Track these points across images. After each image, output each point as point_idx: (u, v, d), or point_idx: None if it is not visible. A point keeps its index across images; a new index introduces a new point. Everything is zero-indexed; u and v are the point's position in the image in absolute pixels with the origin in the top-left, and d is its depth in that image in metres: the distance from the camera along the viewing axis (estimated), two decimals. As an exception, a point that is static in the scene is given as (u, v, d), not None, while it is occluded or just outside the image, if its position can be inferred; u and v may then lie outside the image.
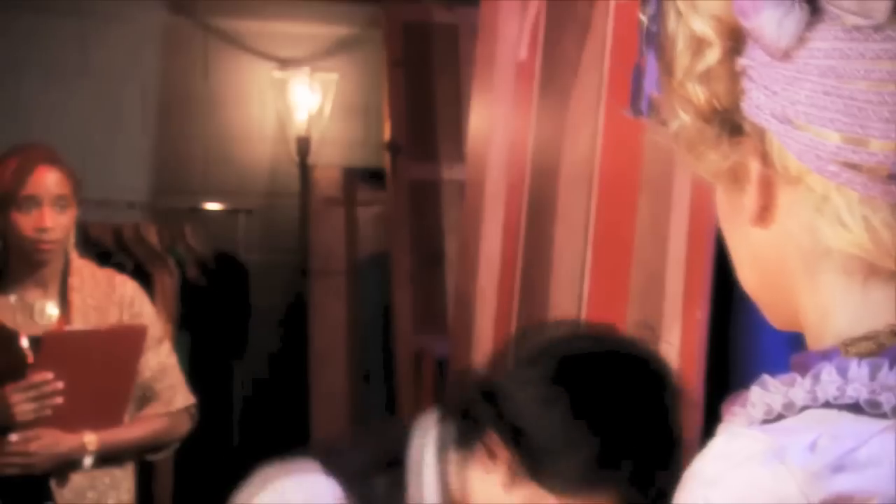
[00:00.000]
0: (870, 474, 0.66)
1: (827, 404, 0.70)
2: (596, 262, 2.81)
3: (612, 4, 2.67)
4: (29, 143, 2.92)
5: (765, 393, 0.73)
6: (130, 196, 4.90)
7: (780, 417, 0.71)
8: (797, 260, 0.76)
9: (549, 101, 2.97)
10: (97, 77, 4.90)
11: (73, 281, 2.84)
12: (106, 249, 4.41)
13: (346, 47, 5.34)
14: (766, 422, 0.72)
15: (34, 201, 2.74)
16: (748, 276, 0.81)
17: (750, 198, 0.76)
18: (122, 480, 2.85)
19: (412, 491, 1.38)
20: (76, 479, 2.74)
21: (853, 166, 0.71)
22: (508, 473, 1.32)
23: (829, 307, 0.75)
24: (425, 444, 1.40)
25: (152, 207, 5.03)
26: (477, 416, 1.35)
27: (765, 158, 0.75)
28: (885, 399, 0.69)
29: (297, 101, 5.16)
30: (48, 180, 2.76)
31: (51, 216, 2.74)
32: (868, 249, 0.72)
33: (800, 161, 0.73)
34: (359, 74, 5.31)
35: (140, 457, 2.93)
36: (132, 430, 2.81)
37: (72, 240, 2.85)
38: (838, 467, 0.66)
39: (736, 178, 0.77)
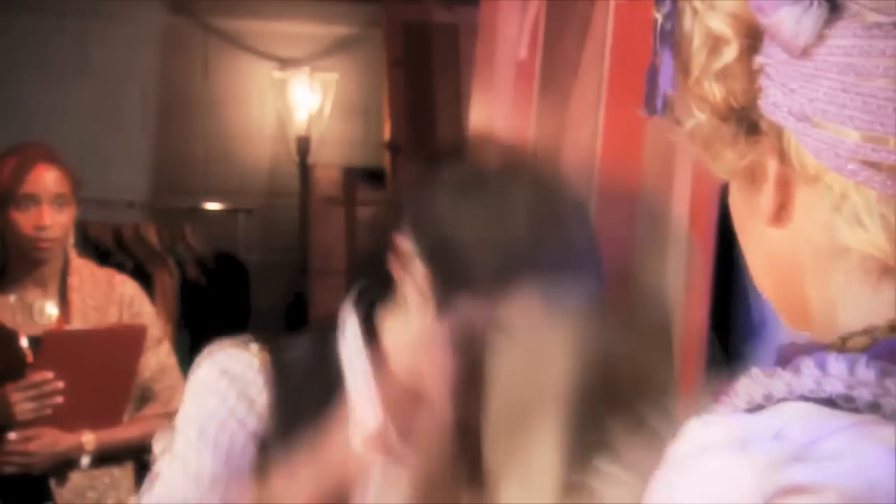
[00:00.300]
0: (829, 467, 0.65)
1: (803, 397, 0.70)
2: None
3: (612, 4, 2.67)
4: (28, 142, 2.91)
5: (749, 383, 0.73)
6: (130, 196, 4.90)
7: (759, 408, 0.71)
8: (811, 259, 0.76)
9: (549, 101, 2.96)
10: (97, 77, 4.90)
11: (73, 280, 2.83)
12: (106, 249, 4.41)
13: (346, 47, 5.34)
14: (747, 412, 0.72)
15: (33, 199, 2.73)
16: (762, 277, 0.81)
17: (766, 197, 0.76)
18: (122, 480, 2.84)
19: (340, 343, 1.40)
20: (76, 478, 2.73)
21: (872, 164, 0.70)
22: (422, 292, 1.31)
23: (839, 306, 0.75)
24: (351, 301, 1.43)
25: (152, 207, 5.02)
26: (392, 222, 1.36)
27: (782, 157, 0.74)
28: (859, 394, 0.68)
29: (297, 101, 5.16)
30: (47, 178, 2.75)
31: (49, 214, 2.73)
32: (884, 249, 0.72)
33: (818, 159, 0.72)
34: (359, 74, 5.31)
35: (139, 457, 2.92)
36: (130, 430, 2.80)
37: (71, 239, 2.84)
38: (797, 458, 0.66)
39: (752, 177, 0.77)
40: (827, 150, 0.71)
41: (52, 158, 2.80)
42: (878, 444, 0.66)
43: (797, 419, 0.68)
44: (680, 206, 2.63)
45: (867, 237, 0.71)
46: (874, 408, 0.68)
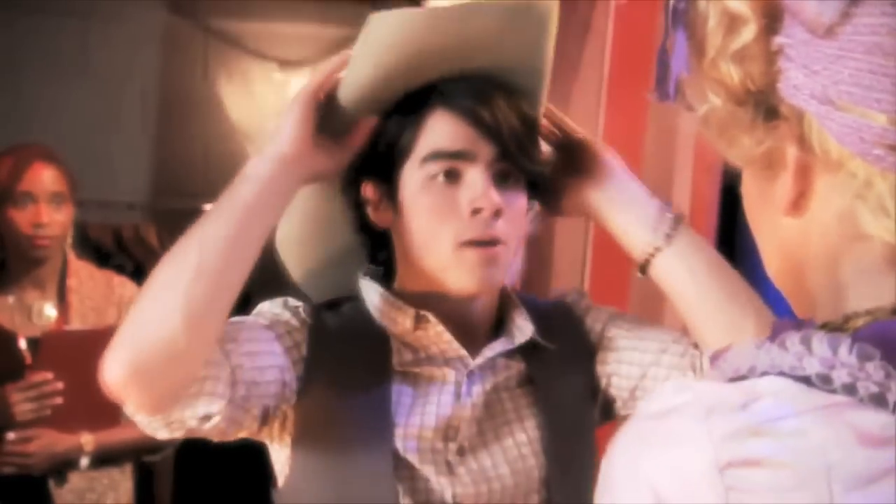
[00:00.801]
0: (788, 444, 0.65)
1: (783, 373, 0.69)
2: (596, 261, 2.79)
3: (612, 4, 2.66)
4: (25, 143, 2.91)
5: (739, 354, 0.73)
6: (130, 197, 4.89)
7: (742, 378, 0.71)
8: (825, 248, 0.74)
9: (549, 101, 2.95)
10: (97, 77, 4.88)
11: (72, 282, 2.82)
12: (106, 251, 4.40)
13: (345, 47, 5.33)
14: (731, 381, 0.71)
15: (30, 197, 2.73)
16: (775, 266, 0.79)
17: (785, 185, 0.73)
18: (121, 481, 2.83)
19: (363, 298, 1.58)
20: (75, 479, 2.73)
21: None
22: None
23: (850, 293, 0.74)
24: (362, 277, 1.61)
25: (152, 208, 5.01)
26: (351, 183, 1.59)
27: (802, 143, 0.72)
28: (837, 376, 0.68)
29: (298, 101, 5.14)
30: (44, 177, 2.75)
31: (47, 212, 2.73)
32: None
33: (841, 144, 0.70)
34: (359, 75, 5.30)
35: (137, 458, 2.91)
36: (129, 431, 2.77)
37: (69, 240, 2.84)
38: (757, 432, 0.66)
39: (770, 164, 0.74)
40: (851, 134, 0.69)
41: (50, 157, 2.80)
42: (845, 428, 0.65)
43: (770, 394, 0.68)
44: (680, 205, 2.61)
45: (891, 226, 0.70)
46: (850, 390, 0.67)
